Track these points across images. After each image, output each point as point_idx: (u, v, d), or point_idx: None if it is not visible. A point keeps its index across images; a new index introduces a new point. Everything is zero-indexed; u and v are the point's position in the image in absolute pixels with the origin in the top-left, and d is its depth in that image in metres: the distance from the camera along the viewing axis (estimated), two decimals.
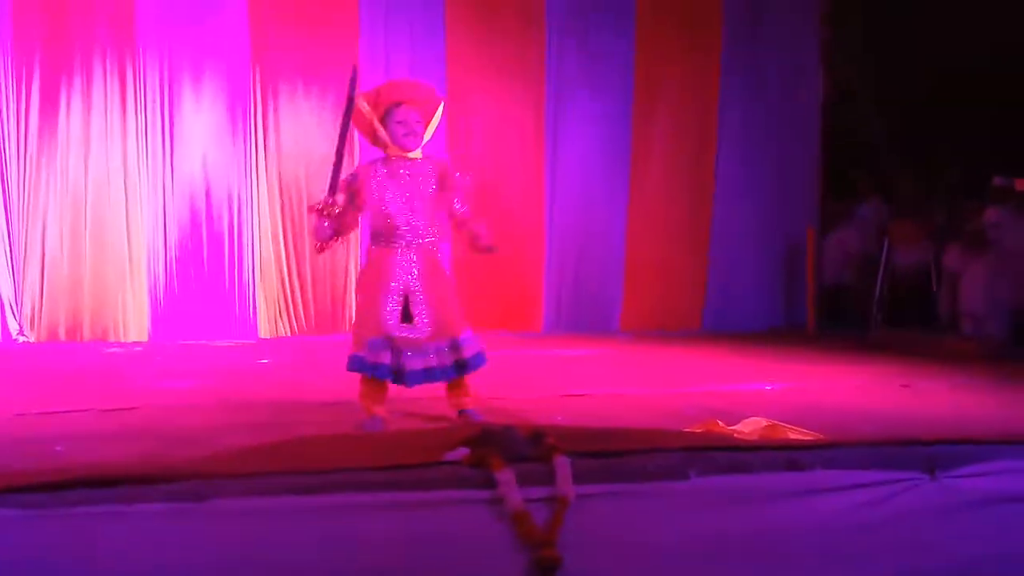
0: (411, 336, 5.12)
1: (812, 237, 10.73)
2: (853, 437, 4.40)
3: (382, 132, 5.20)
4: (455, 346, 5.19)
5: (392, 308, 5.11)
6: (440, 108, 5.34)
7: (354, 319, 5.45)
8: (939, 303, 10.36)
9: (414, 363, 5.14)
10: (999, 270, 9.60)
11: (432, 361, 5.17)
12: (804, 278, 10.73)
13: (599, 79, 10.32)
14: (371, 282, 5.22)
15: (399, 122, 5.12)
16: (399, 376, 5.17)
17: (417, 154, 5.22)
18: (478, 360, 5.27)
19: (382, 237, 5.20)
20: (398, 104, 5.14)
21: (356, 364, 5.20)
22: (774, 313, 10.92)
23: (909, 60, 10.55)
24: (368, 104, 5.23)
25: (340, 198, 5.15)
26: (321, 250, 5.39)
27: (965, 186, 10.40)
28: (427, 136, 5.26)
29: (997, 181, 9.96)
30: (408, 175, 5.16)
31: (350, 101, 5.19)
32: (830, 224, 11.37)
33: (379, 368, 5.13)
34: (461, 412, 5.29)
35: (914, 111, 10.61)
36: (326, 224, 5.13)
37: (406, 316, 5.13)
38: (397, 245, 5.15)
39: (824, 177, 11.16)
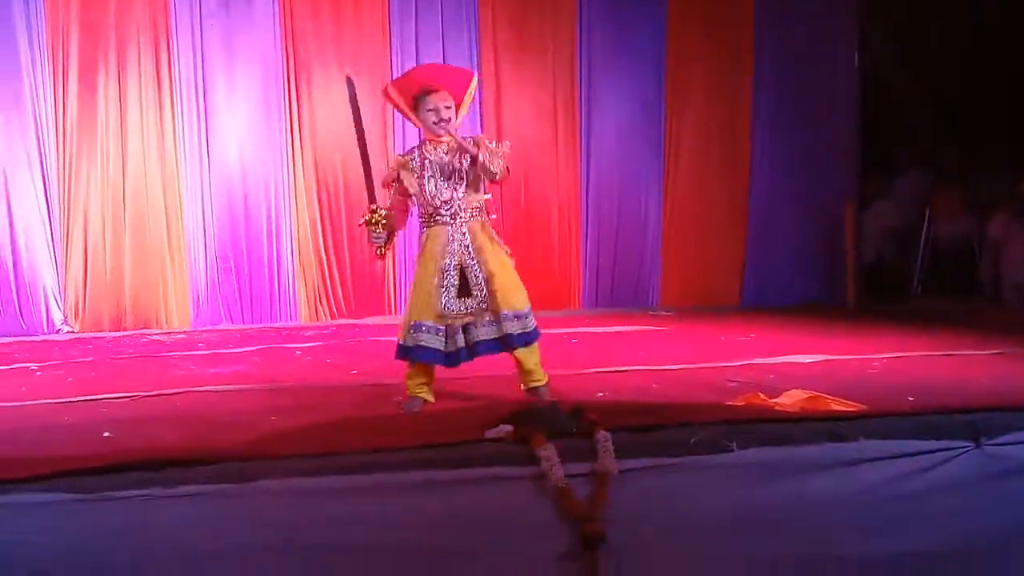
0: (467, 310, 5.14)
1: (851, 210, 10.65)
2: (896, 407, 4.38)
3: (414, 119, 5.27)
4: (499, 321, 5.18)
5: (448, 284, 5.13)
6: (473, 83, 5.34)
7: (408, 302, 5.44)
8: (981, 272, 10.27)
9: (466, 339, 5.16)
10: None
11: (483, 334, 5.19)
12: (843, 252, 10.65)
13: (631, 58, 10.28)
14: (425, 262, 5.21)
15: (429, 110, 5.15)
16: (452, 357, 5.17)
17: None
18: (519, 339, 5.22)
19: (430, 218, 5.23)
20: (426, 92, 5.16)
21: (402, 353, 5.21)
22: (813, 287, 10.84)
23: (947, 27, 10.42)
24: (397, 93, 5.29)
25: (387, 202, 5.28)
26: (382, 256, 5.40)
27: (1009, 155, 10.26)
28: (461, 114, 5.27)
29: None
30: (445, 154, 5.18)
31: (356, 111, 5.33)
32: (869, 197, 11.27)
33: (425, 353, 5.13)
34: (530, 390, 5.28)
35: (954, 81, 10.48)
36: (380, 231, 5.21)
37: (463, 291, 5.15)
38: (445, 223, 5.18)
39: (862, 149, 11.05)
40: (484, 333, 5.18)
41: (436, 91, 5.16)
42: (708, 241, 10.56)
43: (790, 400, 4.64)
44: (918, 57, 10.84)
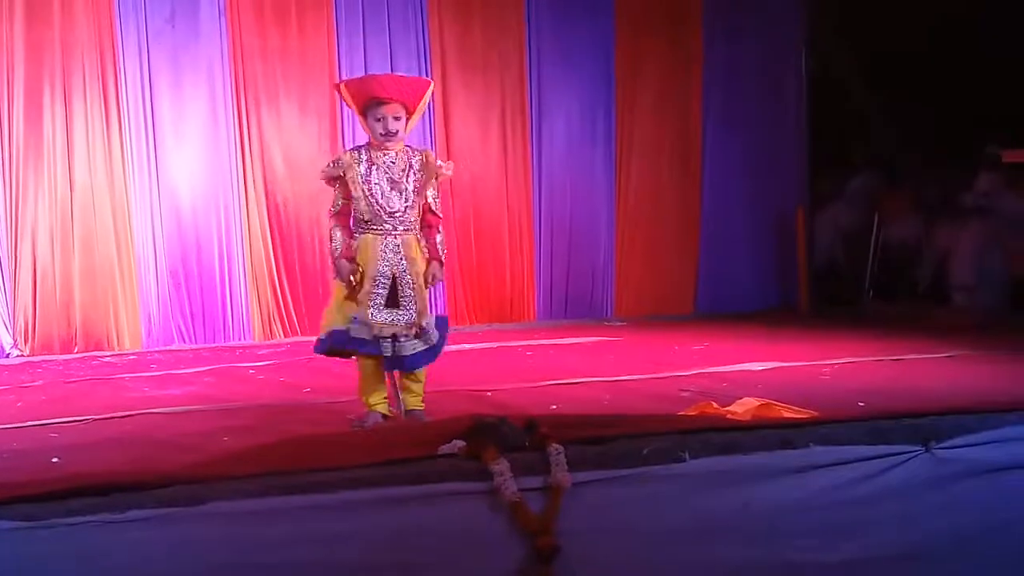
0: (394, 322, 5.10)
1: (802, 215, 10.74)
2: (846, 413, 4.41)
3: (363, 123, 5.24)
4: (425, 333, 5.18)
5: (378, 292, 5.09)
6: (429, 91, 5.35)
7: (330, 303, 5.39)
8: (921, 273, 10.42)
9: (391, 349, 5.11)
10: (990, 240, 9.62)
11: (402, 350, 5.13)
12: (795, 257, 10.74)
13: (580, 67, 10.32)
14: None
15: (377, 119, 5.12)
16: (374, 347, 5.10)
17: (399, 145, 5.23)
18: (430, 354, 5.25)
19: (367, 224, 5.16)
20: (377, 102, 5.13)
21: (323, 346, 5.22)
22: (767, 294, 10.92)
23: (893, 27, 10.52)
24: (350, 96, 5.27)
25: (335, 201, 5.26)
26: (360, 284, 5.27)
27: (955, 156, 10.38)
28: (410, 125, 5.25)
29: (988, 149, 9.97)
30: (392, 163, 5.16)
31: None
32: (821, 200, 11.36)
33: (363, 343, 5.12)
34: (409, 412, 5.25)
35: (902, 81, 10.57)
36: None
37: (391, 301, 5.11)
38: (382, 231, 5.14)
39: (813, 153, 11.14)
40: (411, 347, 5.15)
41: (386, 103, 5.12)
42: (661, 250, 10.60)
43: (742, 408, 4.68)
44: (866, 58, 10.93)
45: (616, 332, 9.21)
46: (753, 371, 6.51)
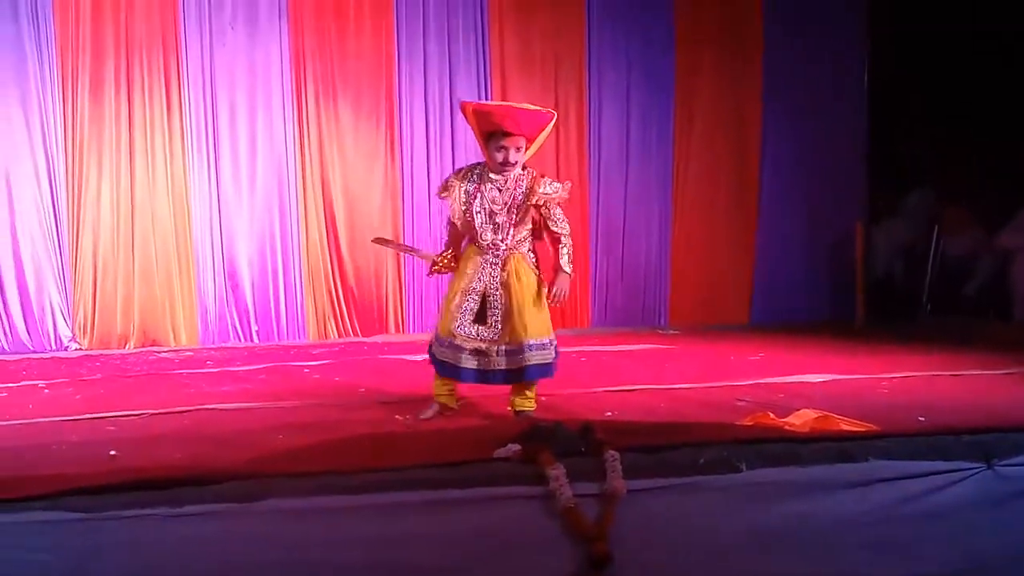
0: (479, 337, 5.21)
1: (860, 228, 10.63)
2: (906, 428, 4.35)
3: (481, 146, 5.28)
4: (519, 351, 5.21)
5: (467, 306, 5.21)
6: (551, 123, 5.34)
7: (440, 310, 5.60)
8: (972, 284, 10.31)
9: (470, 362, 5.22)
10: None
11: (491, 364, 5.23)
12: (853, 270, 10.63)
13: (640, 76, 10.29)
14: (457, 278, 5.34)
15: (498, 149, 5.16)
16: (455, 372, 5.26)
17: (515, 171, 5.26)
18: (537, 371, 5.27)
19: (471, 239, 5.32)
20: (503, 133, 5.14)
21: (432, 361, 5.38)
22: (823, 306, 10.82)
23: (955, 44, 10.39)
24: (473, 120, 5.26)
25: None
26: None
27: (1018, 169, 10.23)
28: (529, 153, 5.30)
29: None
30: (498, 192, 5.21)
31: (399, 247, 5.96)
32: (879, 214, 11.25)
33: (444, 367, 5.28)
34: (518, 412, 5.32)
35: (962, 97, 10.44)
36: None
37: (480, 316, 5.21)
38: (484, 248, 5.25)
39: (872, 166, 11.04)
40: (495, 364, 5.23)
41: (511, 135, 5.15)
42: (717, 259, 10.55)
43: (799, 420, 4.62)
44: (927, 74, 10.80)
45: (671, 340, 9.16)
46: (810, 383, 6.44)
